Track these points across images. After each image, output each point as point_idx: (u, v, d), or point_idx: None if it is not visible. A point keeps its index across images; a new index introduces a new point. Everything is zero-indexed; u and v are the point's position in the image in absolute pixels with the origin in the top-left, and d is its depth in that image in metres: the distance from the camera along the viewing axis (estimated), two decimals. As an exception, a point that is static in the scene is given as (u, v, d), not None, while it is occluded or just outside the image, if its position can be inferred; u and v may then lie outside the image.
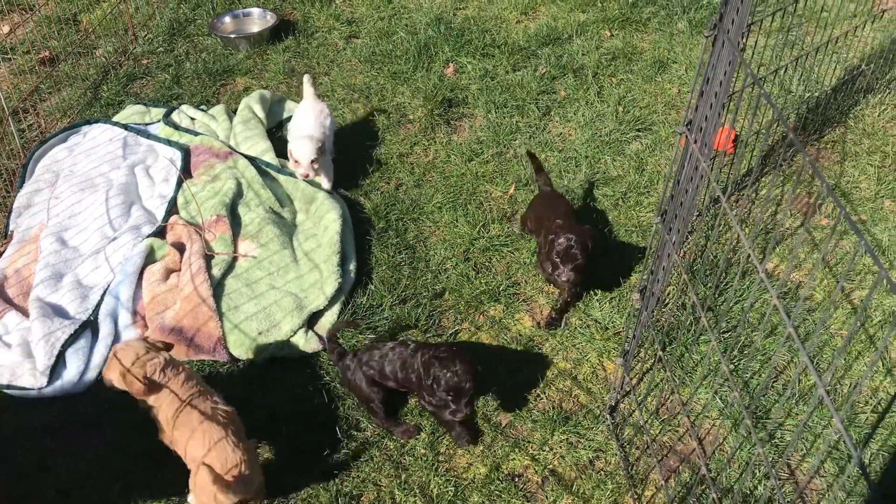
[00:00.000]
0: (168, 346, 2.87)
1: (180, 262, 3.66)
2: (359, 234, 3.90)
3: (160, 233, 3.81)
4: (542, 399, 3.15)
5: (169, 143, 4.36)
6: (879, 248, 3.73)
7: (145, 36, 5.61)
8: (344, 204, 4.01)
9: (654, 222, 2.52)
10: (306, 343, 3.36)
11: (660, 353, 2.97)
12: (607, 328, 3.41)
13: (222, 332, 3.34)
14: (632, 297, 2.85)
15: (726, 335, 3.33)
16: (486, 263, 3.76)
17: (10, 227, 4.00)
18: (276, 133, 4.65)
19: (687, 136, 2.32)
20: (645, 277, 2.69)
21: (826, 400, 1.61)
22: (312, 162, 3.91)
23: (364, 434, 3.04)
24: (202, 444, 2.54)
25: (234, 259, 3.68)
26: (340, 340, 3.28)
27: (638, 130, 4.55)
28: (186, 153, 4.26)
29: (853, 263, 3.65)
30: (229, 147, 4.32)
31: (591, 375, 3.24)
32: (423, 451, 2.98)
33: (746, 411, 2.09)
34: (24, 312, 3.49)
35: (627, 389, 3.14)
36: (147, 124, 4.58)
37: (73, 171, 4.22)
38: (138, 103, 4.81)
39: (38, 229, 3.89)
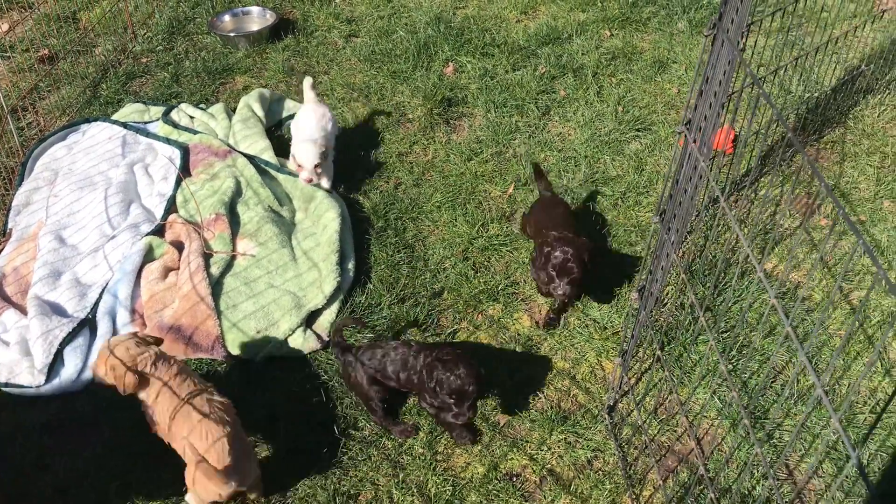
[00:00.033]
0: (158, 341, 2.86)
1: (179, 260, 3.66)
2: (358, 233, 3.90)
3: (159, 231, 3.81)
4: (540, 398, 3.14)
5: (168, 141, 4.36)
6: (878, 249, 3.73)
7: (145, 34, 5.61)
8: (343, 203, 4.01)
9: (653, 222, 2.52)
10: (304, 342, 3.35)
11: (658, 352, 2.97)
12: (606, 328, 3.41)
13: (220, 331, 3.34)
14: (630, 297, 2.85)
15: (725, 335, 3.33)
16: (485, 263, 3.76)
17: (9, 226, 4.00)
18: (275, 132, 4.64)
19: (686, 136, 2.32)
20: (643, 277, 2.69)
21: (824, 400, 1.61)
22: (316, 167, 3.91)
23: (362, 433, 3.04)
24: (202, 440, 2.55)
25: (233, 257, 3.67)
26: (346, 334, 3.28)
27: (637, 130, 4.55)
28: (185, 151, 4.25)
29: (852, 264, 3.65)
30: (228, 145, 4.31)
31: (590, 375, 3.24)
32: (420, 450, 2.97)
33: (745, 411, 2.09)
34: (23, 310, 3.48)
35: (626, 389, 3.14)
36: (146, 123, 4.58)
37: (72, 169, 4.22)
38: (137, 102, 4.81)
39: (37, 227, 3.89)
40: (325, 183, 4.06)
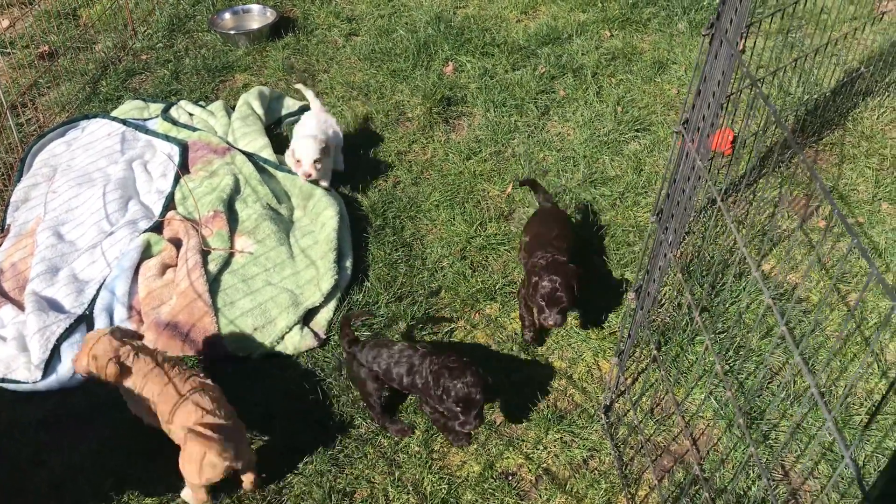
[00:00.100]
0: (139, 336, 2.95)
1: (177, 257, 3.66)
2: (356, 232, 3.90)
3: (157, 228, 3.80)
4: (536, 398, 3.14)
5: (167, 138, 4.36)
6: (876, 251, 3.73)
7: (145, 31, 5.61)
8: (341, 201, 4.01)
9: (651, 221, 2.52)
10: (301, 340, 3.35)
11: (655, 352, 2.97)
12: (603, 328, 3.41)
13: (218, 328, 3.34)
14: (627, 297, 2.84)
15: (721, 336, 3.33)
16: (483, 262, 3.76)
17: (7, 221, 4.00)
18: (275, 129, 4.64)
19: (683, 136, 2.32)
20: (641, 277, 2.69)
21: (820, 401, 1.61)
22: (315, 162, 3.90)
23: (358, 431, 3.04)
24: (189, 415, 2.60)
25: (231, 255, 3.67)
26: (353, 326, 3.26)
27: (636, 131, 4.55)
28: (184, 149, 4.25)
29: (848, 264, 3.64)
30: (227, 143, 4.31)
31: (586, 375, 3.24)
32: (416, 448, 2.97)
33: (740, 412, 2.09)
34: (20, 306, 3.48)
35: (622, 389, 3.14)
36: (145, 119, 4.58)
37: (71, 165, 4.22)
38: (137, 98, 4.81)
39: (35, 223, 3.89)
40: (324, 182, 4.05)
